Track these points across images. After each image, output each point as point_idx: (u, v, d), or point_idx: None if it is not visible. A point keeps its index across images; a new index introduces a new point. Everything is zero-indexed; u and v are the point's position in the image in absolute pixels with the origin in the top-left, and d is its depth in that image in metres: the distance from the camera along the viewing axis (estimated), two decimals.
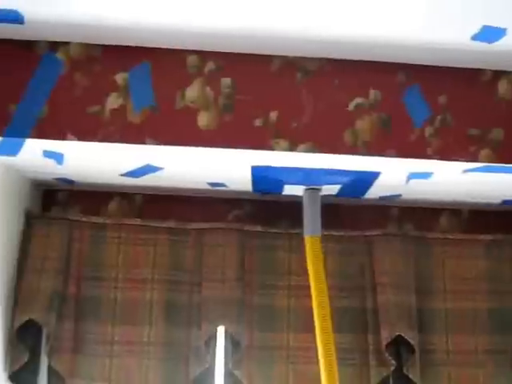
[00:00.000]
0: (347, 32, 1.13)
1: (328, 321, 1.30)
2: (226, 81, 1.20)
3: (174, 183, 1.43)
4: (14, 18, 1.10)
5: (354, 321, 1.42)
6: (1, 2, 1.06)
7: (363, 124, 1.21)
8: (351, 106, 1.21)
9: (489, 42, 1.15)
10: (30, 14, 1.09)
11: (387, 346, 1.37)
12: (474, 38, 1.13)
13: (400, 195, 1.48)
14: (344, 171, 1.28)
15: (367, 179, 1.33)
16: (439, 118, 1.22)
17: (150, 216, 1.48)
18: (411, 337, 1.37)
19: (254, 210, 1.52)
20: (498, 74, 1.25)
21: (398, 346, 1.40)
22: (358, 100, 1.21)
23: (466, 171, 1.27)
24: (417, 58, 1.22)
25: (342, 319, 1.42)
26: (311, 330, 1.39)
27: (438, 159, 1.21)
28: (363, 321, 1.42)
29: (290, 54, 1.22)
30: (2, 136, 1.14)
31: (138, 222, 1.44)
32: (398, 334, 1.37)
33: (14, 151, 1.21)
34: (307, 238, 1.35)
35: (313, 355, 1.40)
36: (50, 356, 1.35)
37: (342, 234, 1.47)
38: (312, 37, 1.15)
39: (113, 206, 1.51)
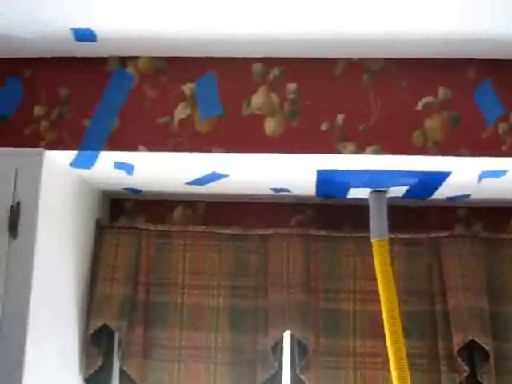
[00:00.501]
0: (412, 29, 1.10)
1: (398, 326, 1.27)
2: (291, 86, 1.20)
3: (236, 190, 1.44)
4: (88, 36, 1.15)
5: (423, 325, 1.39)
6: (76, 22, 1.11)
7: (433, 123, 1.17)
8: (420, 106, 1.18)
9: None
10: (101, 31, 1.14)
11: (460, 351, 1.32)
12: None
13: (469, 195, 1.42)
14: (413, 172, 1.25)
15: (436, 180, 1.29)
16: None
17: (214, 223, 1.50)
18: (485, 342, 1.32)
19: (316, 214, 1.51)
20: None
21: (471, 351, 1.35)
22: (427, 99, 1.18)
23: None
24: (487, 53, 1.17)
25: (411, 324, 1.38)
26: (378, 335, 1.36)
27: None
28: (433, 325, 1.38)
29: (355, 55, 1.20)
30: (78, 150, 1.20)
31: (203, 228, 1.46)
32: (471, 339, 1.32)
33: (89, 164, 1.26)
34: (374, 242, 1.33)
35: (381, 361, 1.37)
36: (122, 360, 1.40)
37: (408, 236, 1.43)
38: (376, 37, 1.13)
39: (177, 213, 1.54)
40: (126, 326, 1.39)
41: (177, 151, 1.18)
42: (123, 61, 1.22)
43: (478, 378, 1.32)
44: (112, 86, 1.21)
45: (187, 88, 1.20)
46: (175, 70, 1.21)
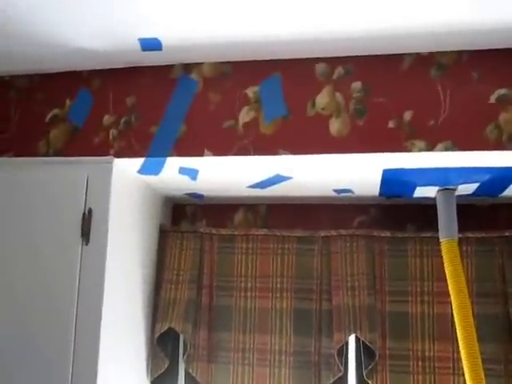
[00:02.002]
0: (484, 19, 1.05)
1: (472, 329, 1.21)
2: (356, 85, 1.18)
3: (299, 192, 1.43)
4: (154, 45, 1.17)
5: (497, 328, 1.32)
6: (142, 32, 1.13)
7: (508, 116, 1.12)
8: (493, 99, 1.13)
9: None
10: (166, 40, 1.16)
11: None
12: None
13: None
14: (485, 169, 1.20)
15: (510, 176, 1.23)
16: None
17: (275, 226, 1.49)
18: None
19: (379, 214, 1.48)
20: None
21: None
22: (501, 91, 1.13)
23: None
24: None
25: (484, 327, 1.32)
26: (448, 338, 1.32)
27: None
28: (507, 328, 1.32)
29: (422, 50, 1.17)
30: (146, 157, 1.22)
31: (265, 232, 1.46)
32: None
33: (156, 171, 1.29)
34: (444, 242, 1.28)
35: (451, 365, 1.32)
36: (187, 363, 1.41)
37: (478, 235, 1.37)
38: (445, 29, 1.09)
39: (238, 217, 1.55)
40: (191, 328, 1.41)
41: (242, 155, 1.19)
42: (188, 67, 1.24)
43: None
44: (177, 93, 1.23)
45: (251, 91, 1.20)
46: (239, 74, 1.22)
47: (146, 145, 1.22)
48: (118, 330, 1.25)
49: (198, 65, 1.23)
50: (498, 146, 1.12)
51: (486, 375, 1.28)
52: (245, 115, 1.20)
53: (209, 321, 1.44)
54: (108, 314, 1.19)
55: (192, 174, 1.31)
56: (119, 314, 1.26)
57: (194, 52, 1.20)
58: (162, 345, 1.42)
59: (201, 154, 1.20)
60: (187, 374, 1.44)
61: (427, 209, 1.36)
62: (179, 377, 1.47)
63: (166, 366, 1.41)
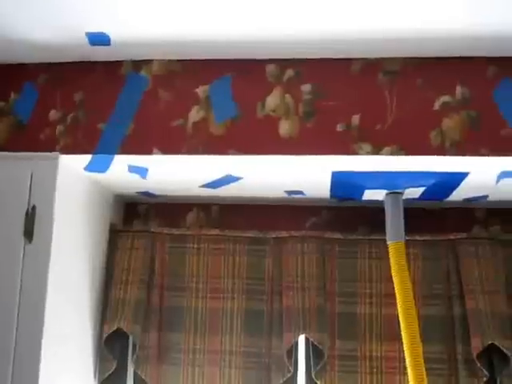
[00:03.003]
0: (429, 27, 1.08)
1: (416, 329, 1.24)
2: (306, 87, 1.19)
3: (250, 192, 1.43)
4: (102, 40, 1.15)
5: (442, 329, 1.36)
6: (90, 26, 1.11)
7: (451, 123, 1.15)
8: (437, 105, 1.16)
9: None
10: (115, 35, 1.14)
11: (479, 355, 1.29)
12: None
13: (487, 196, 1.40)
14: (430, 173, 1.23)
15: (454, 180, 1.27)
16: None
17: (228, 226, 1.49)
18: (505, 345, 1.29)
19: (331, 217, 1.49)
20: None
21: (491, 355, 1.33)
22: (445, 98, 1.16)
23: None
24: (507, 51, 1.15)
25: (429, 328, 1.36)
26: (395, 338, 1.35)
27: None
28: (451, 329, 1.36)
29: (371, 55, 1.19)
30: (93, 153, 1.19)
31: (217, 232, 1.45)
32: (490, 342, 1.29)
33: (103, 168, 1.26)
34: (391, 245, 1.31)
35: (398, 365, 1.35)
36: (136, 365, 1.39)
37: (425, 238, 1.41)
38: (393, 36, 1.11)
39: (191, 217, 1.53)
40: (141, 329, 1.39)
41: (191, 154, 1.18)
42: (137, 64, 1.22)
43: (498, 382, 1.29)
44: (126, 90, 1.21)
45: (201, 90, 1.20)
46: (189, 73, 1.21)
47: (94, 142, 1.19)
48: (63, 331, 1.22)
49: (147, 62, 1.22)
50: (441, 151, 1.15)
51: (430, 374, 1.33)
52: (195, 115, 1.19)
53: (159, 321, 1.42)
54: (51, 314, 1.16)
55: (142, 172, 1.29)
56: (64, 315, 1.23)
57: (144, 49, 1.18)
58: (111, 346, 1.40)
59: (149, 153, 1.18)
60: (136, 375, 1.41)
61: (378, 212, 1.39)
62: (128, 379, 1.44)
63: (114, 367, 1.39)
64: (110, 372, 1.39)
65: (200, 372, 1.40)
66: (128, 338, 1.44)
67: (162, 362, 1.41)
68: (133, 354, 1.41)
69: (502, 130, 1.16)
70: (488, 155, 1.15)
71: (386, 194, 1.34)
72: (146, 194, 1.49)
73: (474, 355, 1.30)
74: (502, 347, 1.29)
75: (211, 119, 1.19)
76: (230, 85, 1.19)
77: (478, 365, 1.29)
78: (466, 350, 1.33)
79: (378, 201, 1.38)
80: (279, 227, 1.46)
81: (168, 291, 1.44)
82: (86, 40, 1.15)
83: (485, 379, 1.30)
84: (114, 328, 1.37)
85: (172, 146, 1.18)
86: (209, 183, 1.36)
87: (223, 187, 1.39)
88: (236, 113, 1.18)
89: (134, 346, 1.40)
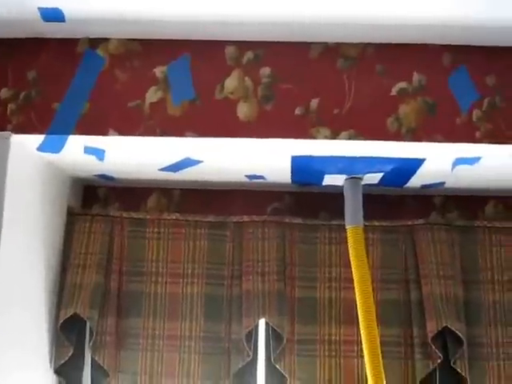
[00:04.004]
0: (388, 14, 1.09)
1: (372, 313, 1.27)
2: (265, 70, 1.18)
3: (212, 177, 1.42)
4: (56, 16, 1.11)
5: (399, 313, 1.39)
6: (43, 1, 1.07)
7: (407, 109, 1.17)
8: (394, 91, 1.18)
9: None
10: (70, 11, 1.10)
11: (434, 338, 1.33)
12: None
13: (443, 183, 1.43)
14: (387, 159, 1.25)
15: (411, 167, 1.29)
16: (487, 100, 1.18)
17: (189, 210, 1.47)
18: (459, 328, 1.33)
19: (293, 202, 1.50)
20: None
21: (445, 338, 1.36)
22: (401, 85, 1.18)
23: None
24: (463, 39, 1.17)
25: (386, 312, 1.39)
26: (354, 322, 1.36)
27: (486, 143, 1.16)
28: (408, 313, 1.39)
29: (330, 40, 1.19)
30: (46, 133, 1.16)
31: (177, 216, 1.44)
32: (444, 325, 1.33)
33: (57, 148, 1.23)
34: (349, 229, 1.32)
35: (356, 349, 1.37)
36: (93, 350, 1.37)
37: (384, 224, 1.43)
38: (352, 21, 1.12)
39: (152, 201, 1.51)
40: (98, 315, 1.36)
41: (148, 135, 1.16)
42: (94, 42, 1.19)
43: (452, 364, 1.33)
44: (82, 69, 1.18)
45: (159, 71, 1.18)
46: (147, 53, 1.18)
47: (47, 121, 1.16)
48: (16, 316, 1.19)
49: (104, 40, 1.19)
50: (398, 137, 1.17)
51: (387, 357, 1.35)
52: (152, 95, 1.17)
53: (117, 307, 1.40)
54: (3, 300, 1.13)
55: (98, 154, 1.27)
56: (17, 301, 1.19)
57: (101, 26, 1.15)
58: (67, 332, 1.37)
59: (105, 133, 1.16)
60: (94, 361, 1.39)
61: (339, 197, 1.40)
62: (85, 365, 1.42)
63: (71, 353, 1.36)
64: (67, 358, 1.36)
65: (159, 357, 1.39)
66: (85, 323, 1.41)
67: (121, 347, 1.39)
68: (90, 340, 1.38)
69: (457, 117, 1.18)
70: (443, 141, 1.17)
71: (346, 179, 1.35)
72: (105, 177, 1.46)
73: (429, 338, 1.33)
74: (455, 330, 1.33)
75: (169, 100, 1.17)
76: (189, 66, 1.18)
77: (433, 347, 1.33)
78: (421, 334, 1.36)
79: (338, 186, 1.39)
80: (241, 212, 1.45)
81: (127, 276, 1.42)
82: (39, 15, 1.12)
83: (439, 361, 1.33)
84: (71, 313, 1.35)
85: (129, 127, 1.16)
86: (168, 166, 1.35)
87: (183, 171, 1.37)
88: (194, 94, 1.17)
89: (92, 331, 1.37)
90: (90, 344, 1.37)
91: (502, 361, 1.36)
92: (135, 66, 1.18)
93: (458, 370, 1.32)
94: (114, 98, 1.17)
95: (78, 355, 1.40)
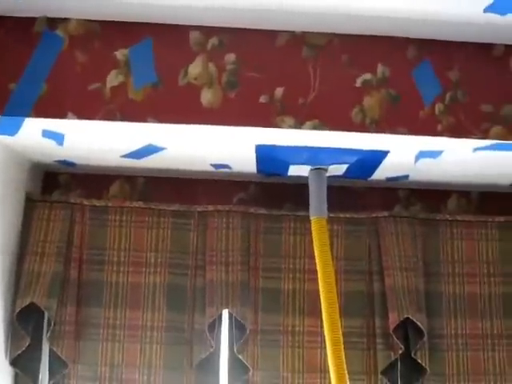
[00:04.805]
0: (355, 5, 1.09)
1: (335, 304, 1.27)
2: (230, 57, 1.16)
3: (177, 165, 1.40)
4: None
5: (362, 304, 1.40)
6: None
7: (371, 101, 1.17)
8: (359, 83, 1.18)
9: (501, 14, 1.12)
10: None
11: (395, 329, 1.34)
12: (487, 9, 1.10)
13: (407, 176, 1.44)
14: (351, 150, 1.25)
15: (375, 158, 1.30)
16: (450, 94, 1.19)
17: (153, 199, 1.45)
18: (420, 320, 1.35)
19: (259, 192, 1.49)
20: (510, 49, 1.21)
21: (407, 329, 1.38)
22: (366, 76, 1.18)
23: (476, 149, 1.24)
24: (428, 33, 1.19)
25: (349, 303, 1.40)
26: (317, 313, 1.36)
27: (448, 136, 1.18)
28: (371, 304, 1.40)
29: (297, 28, 1.18)
30: (1, 115, 1.12)
31: (140, 204, 1.41)
32: (406, 316, 1.34)
33: (12, 131, 1.18)
34: (313, 220, 1.32)
35: (319, 339, 1.38)
36: (51, 341, 1.33)
37: (348, 215, 1.44)
38: (319, 11, 1.11)
39: (115, 188, 1.48)
40: (56, 304, 1.32)
41: (108, 120, 1.13)
42: (53, 22, 1.15)
43: (412, 354, 1.35)
44: (40, 49, 1.14)
45: (120, 54, 1.15)
46: (108, 35, 1.15)
47: (2, 102, 1.12)
48: None
49: (64, 20, 1.15)
50: (362, 128, 1.17)
51: (349, 348, 1.36)
52: (113, 79, 1.14)
53: (77, 296, 1.36)
54: None
55: (57, 138, 1.23)
56: None
57: (60, 6, 1.11)
58: (24, 322, 1.33)
59: (64, 116, 1.12)
60: (52, 352, 1.35)
61: (304, 188, 1.39)
62: (42, 356, 1.38)
63: (28, 344, 1.32)
64: (23, 349, 1.31)
65: (120, 348, 1.36)
66: (43, 313, 1.37)
67: (80, 338, 1.36)
68: (48, 330, 1.34)
69: (420, 110, 1.19)
70: (406, 134, 1.18)
71: (310, 170, 1.35)
72: (66, 162, 1.42)
73: (391, 329, 1.34)
74: (416, 321, 1.34)
75: (130, 84, 1.14)
76: (151, 50, 1.15)
77: (395, 338, 1.34)
78: (383, 325, 1.37)
79: (303, 177, 1.39)
80: (206, 202, 1.43)
81: (87, 264, 1.39)
82: None
83: (400, 352, 1.35)
84: (28, 303, 1.30)
85: (88, 110, 1.13)
86: (131, 153, 1.32)
87: (147, 158, 1.35)
88: (156, 79, 1.14)
89: (50, 321, 1.34)
90: (48, 334, 1.33)
91: (461, 351, 1.39)
92: (96, 47, 1.15)
93: (419, 360, 1.34)
94: (73, 81, 1.14)
95: (35, 346, 1.36)
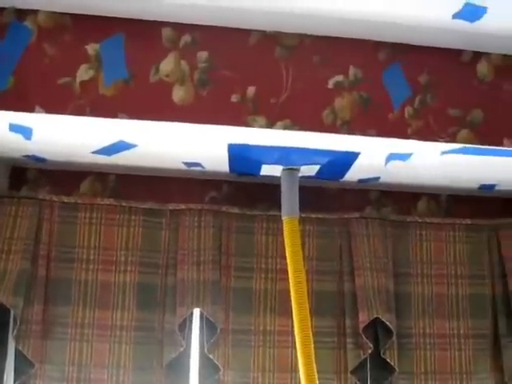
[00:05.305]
0: (328, 7, 1.10)
1: (305, 304, 1.28)
2: (203, 54, 1.16)
3: (148, 162, 1.39)
4: None
5: (332, 304, 1.41)
6: None
7: (343, 102, 1.19)
8: (331, 84, 1.19)
9: (470, 21, 1.14)
10: None
11: (365, 328, 1.36)
12: (456, 16, 1.13)
13: (379, 178, 1.47)
14: (322, 151, 1.26)
15: (346, 160, 1.31)
16: (419, 97, 1.21)
17: (125, 196, 1.43)
18: (389, 320, 1.37)
19: (231, 191, 1.49)
20: (478, 55, 1.25)
21: (376, 329, 1.40)
22: (338, 78, 1.19)
23: (444, 153, 1.27)
24: (399, 37, 1.21)
25: (320, 302, 1.41)
26: (289, 313, 1.37)
27: (417, 139, 1.20)
28: (341, 304, 1.42)
29: (269, 28, 1.19)
30: None
31: (111, 202, 1.40)
32: (375, 316, 1.36)
33: None
34: (285, 220, 1.33)
35: (290, 339, 1.38)
36: (17, 340, 1.30)
37: (320, 216, 1.45)
38: (292, 11, 1.12)
39: (85, 185, 1.46)
40: (23, 302, 1.29)
41: (78, 115, 1.11)
42: (21, 13, 1.13)
43: (382, 354, 1.37)
44: (7, 40, 1.11)
45: (91, 48, 1.13)
46: (79, 29, 1.14)
47: None
48: None
49: (33, 12, 1.13)
50: (333, 129, 1.19)
51: (320, 348, 1.37)
52: (83, 73, 1.13)
53: (45, 294, 1.34)
54: None
55: (25, 132, 1.20)
56: None
57: None
58: None
59: (31, 110, 1.10)
60: (18, 352, 1.32)
61: (276, 188, 1.40)
62: (8, 356, 1.35)
63: None
64: None
65: (88, 347, 1.34)
66: (9, 311, 1.34)
67: (47, 337, 1.33)
68: (14, 329, 1.31)
69: (389, 112, 1.21)
70: (376, 136, 1.20)
71: (283, 170, 1.36)
72: (34, 158, 1.39)
73: (361, 329, 1.36)
74: (386, 321, 1.36)
75: (101, 79, 1.13)
76: (123, 45, 1.14)
77: (364, 338, 1.36)
78: (353, 324, 1.39)
79: (275, 177, 1.39)
80: (178, 200, 1.42)
81: (55, 262, 1.36)
82: None
83: (369, 351, 1.37)
84: None
85: (57, 104, 1.11)
86: (101, 149, 1.30)
87: (118, 155, 1.33)
88: (127, 75, 1.13)
89: (16, 320, 1.30)
90: (14, 333, 1.30)
91: (429, 351, 1.42)
92: (66, 41, 1.13)
93: (388, 359, 1.36)
94: (41, 74, 1.11)
95: (0, 345, 1.32)
